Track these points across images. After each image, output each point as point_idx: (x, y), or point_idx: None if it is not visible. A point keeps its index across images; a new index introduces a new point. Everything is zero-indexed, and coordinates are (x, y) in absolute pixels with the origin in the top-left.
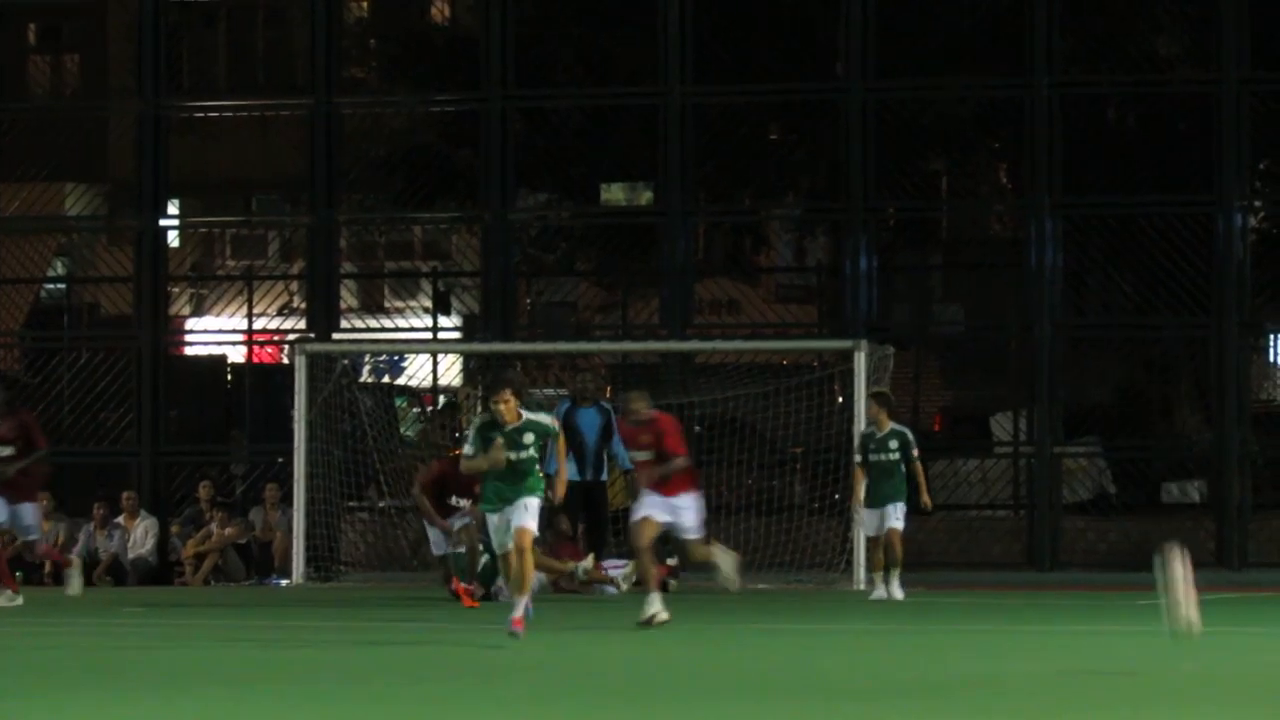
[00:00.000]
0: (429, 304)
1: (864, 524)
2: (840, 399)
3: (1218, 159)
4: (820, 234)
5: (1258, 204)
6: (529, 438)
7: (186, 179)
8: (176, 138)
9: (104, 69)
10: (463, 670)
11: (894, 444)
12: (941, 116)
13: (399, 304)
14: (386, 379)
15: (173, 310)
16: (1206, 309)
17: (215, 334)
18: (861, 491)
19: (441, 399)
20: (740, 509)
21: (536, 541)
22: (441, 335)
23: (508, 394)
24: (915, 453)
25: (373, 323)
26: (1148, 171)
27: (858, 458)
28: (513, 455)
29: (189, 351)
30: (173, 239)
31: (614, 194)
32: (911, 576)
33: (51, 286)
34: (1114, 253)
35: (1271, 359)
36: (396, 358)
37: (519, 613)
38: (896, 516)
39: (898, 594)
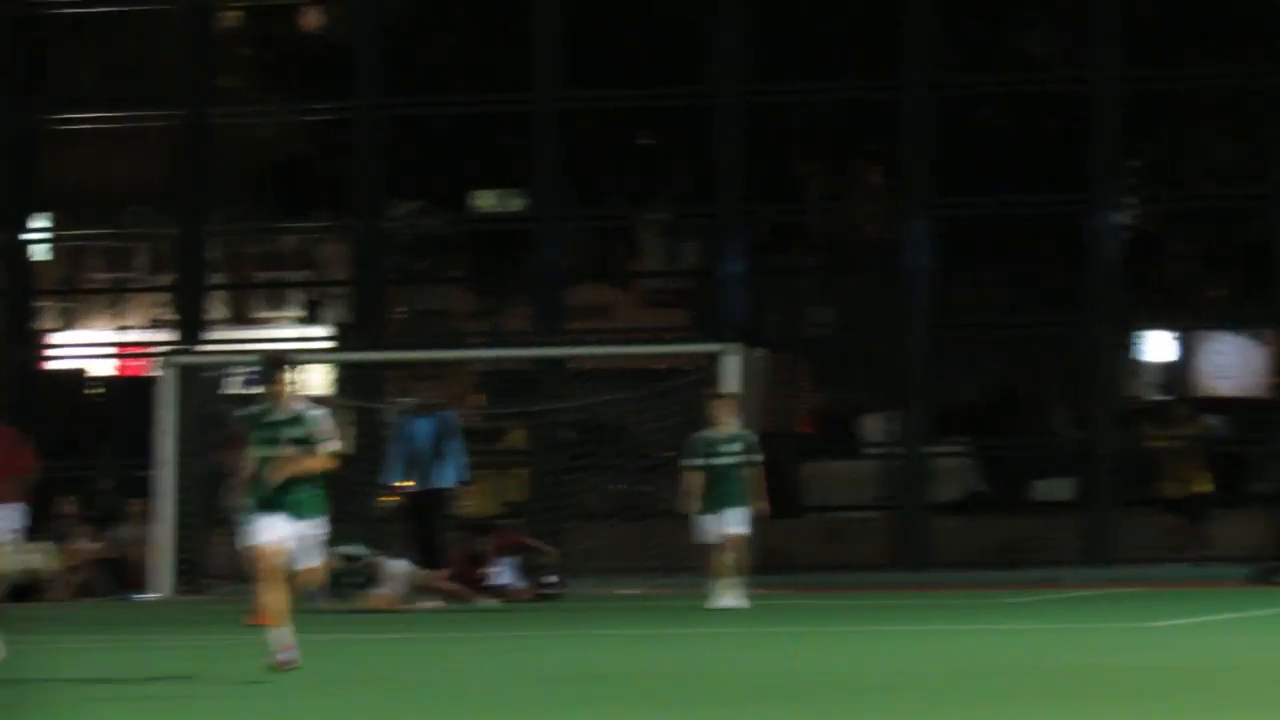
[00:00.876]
0: (300, 314)
1: (705, 530)
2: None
3: (1089, 158)
4: (692, 238)
5: (1129, 202)
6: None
7: (56, 192)
8: (45, 150)
9: None
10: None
11: (736, 446)
12: (813, 119)
13: (270, 315)
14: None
15: (42, 325)
16: (1078, 307)
17: (84, 348)
18: (698, 496)
19: None
20: (612, 514)
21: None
22: (313, 345)
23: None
24: (758, 456)
25: (244, 334)
26: (1020, 171)
27: (695, 461)
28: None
29: (55, 366)
30: (43, 253)
31: (485, 201)
32: (781, 579)
33: None
34: (986, 252)
35: (1140, 356)
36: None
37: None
38: (739, 522)
39: (736, 602)
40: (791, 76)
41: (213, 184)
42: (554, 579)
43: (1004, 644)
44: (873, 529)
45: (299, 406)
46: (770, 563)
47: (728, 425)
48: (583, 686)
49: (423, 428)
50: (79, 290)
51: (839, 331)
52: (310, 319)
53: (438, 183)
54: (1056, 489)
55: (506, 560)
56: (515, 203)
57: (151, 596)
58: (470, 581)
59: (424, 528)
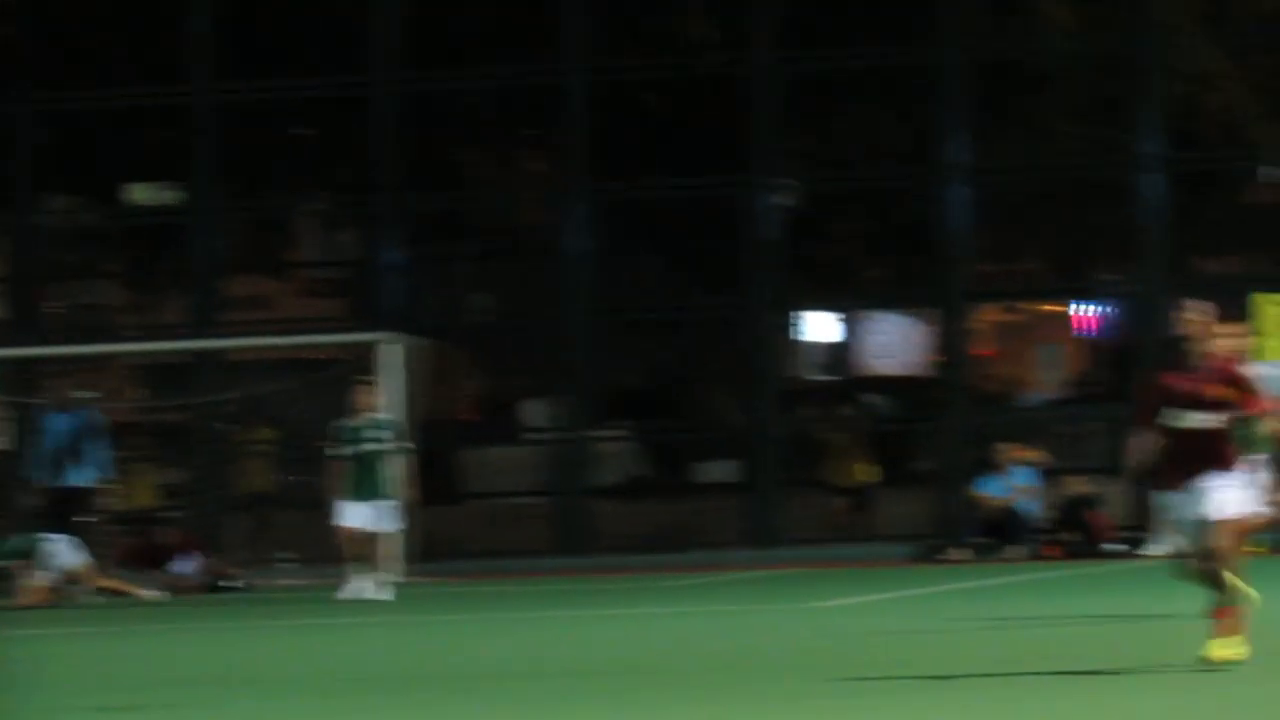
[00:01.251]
0: None
1: (348, 517)
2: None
3: (748, 140)
4: (350, 228)
5: (787, 183)
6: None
7: None
8: None
9: None
10: None
11: (381, 433)
12: (471, 106)
13: None
14: None
15: None
16: (738, 289)
17: None
18: (341, 485)
19: None
20: (276, 503)
21: None
22: None
23: None
24: (408, 444)
25: None
26: (680, 154)
27: (340, 449)
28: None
29: None
30: None
31: (141, 194)
32: (444, 566)
33: None
34: (647, 236)
35: (802, 336)
36: None
37: None
38: (384, 516)
39: (379, 594)
40: (448, 64)
41: None
42: (231, 572)
43: (666, 627)
44: (535, 514)
45: None
46: (433, 549)
47: (372, 412)
48: (208, 686)
49: (61, 424)
50: None
51: (500, 318)
52: None
53: (93, 177)
54: (720, 472)
55: (188, 553)
56: (171, 195)
57: None
58: (144, 572)
59: (64, 525)
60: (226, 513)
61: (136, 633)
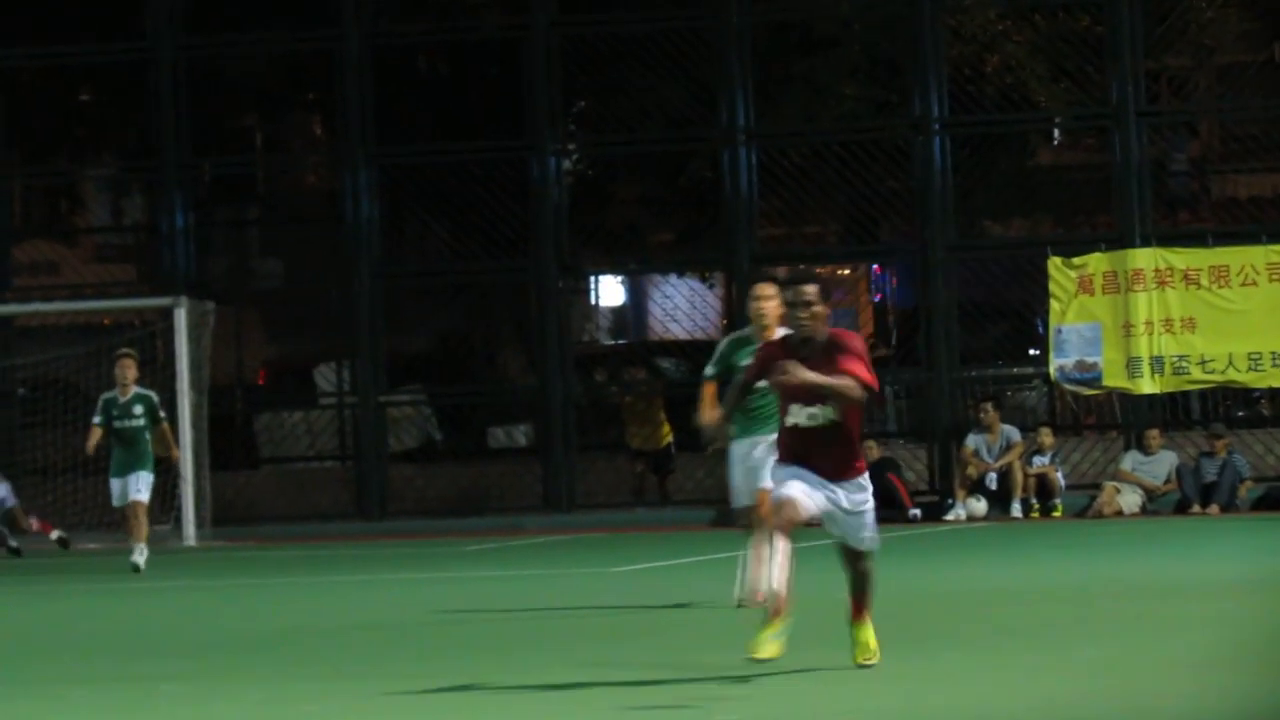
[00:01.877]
0: None
1: (114, 494)
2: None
3: (529, 104)
4: (136, 193)
5: (571, 147)
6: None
7: None
8: None
9: None
10: None
11: (139, 409)
12: (253, 72)
13: None
14: None
15: None
16: (526, 253)
17: None
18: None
19: None
20: (67, 470)
21: None
22: None
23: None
24: (162, 414)
25: None
26: (463, 118)
27: (97, 419)
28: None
29: None
30: None
31: None
32: (242, 530)
33: None
34: (432, 200)
35: (592, 301)
36: None
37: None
38: (138, 488)
39: (141, 560)
40: (230, 29)
41: None
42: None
43: (460, 591)
44: (332, 479)
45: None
46: (228, 514)
47: (130, 387)
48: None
49: None
50: None
51: (287, 283)
52: None
53: None
54: (514, 436)
55: None
56: None
57: None
58: None
59: None
60: (22, 477)
61: None
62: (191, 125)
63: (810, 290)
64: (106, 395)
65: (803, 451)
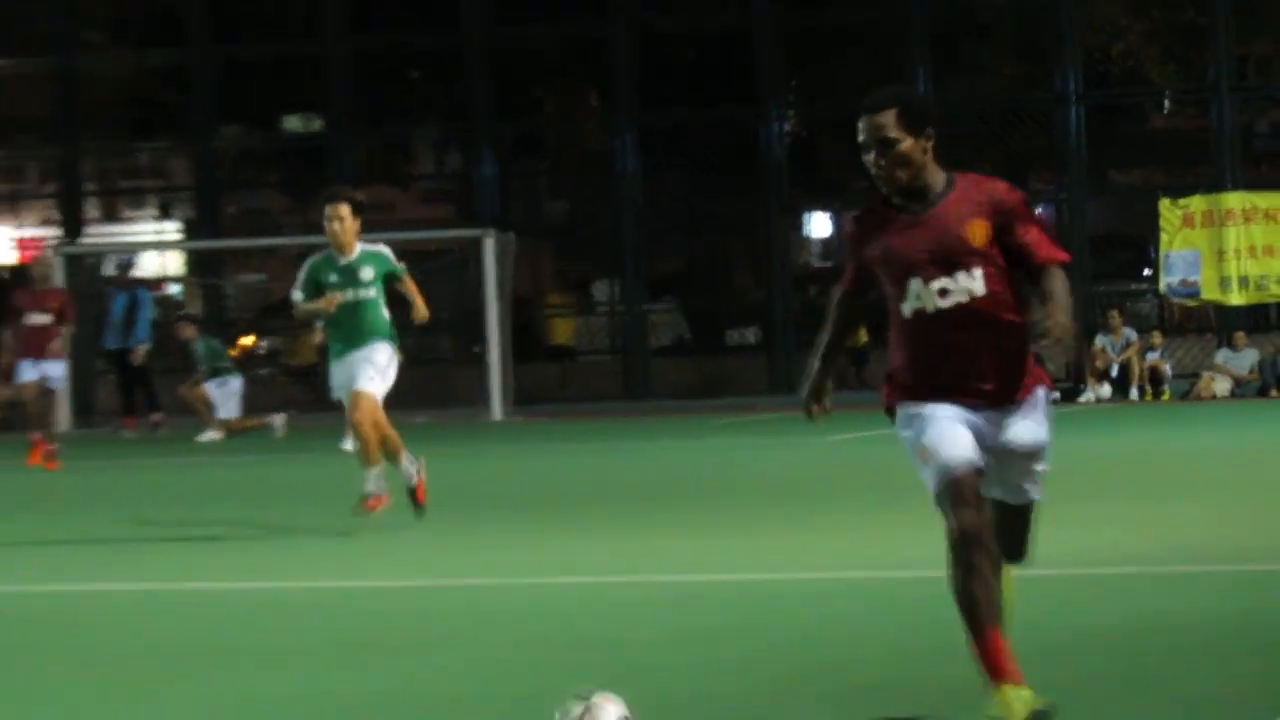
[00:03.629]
0: (155, 213)
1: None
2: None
3: (757, 80)
4: (454, 149)
5: (789, 114)
6: (368, 273)
7: None
8: None
9: None
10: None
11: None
12: (544, 53)
13: (132, 214)
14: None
15: None
16: (755, 195)
17: None
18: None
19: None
20: (404, 363)
21: None
22: (166, 237)
23: (343, 208)
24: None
25: (113, 229)
26: (706, 91)
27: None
28: (350, 295)
29: None
30: None
31: (293, 123)
32: (536, 408)
33: None
34: (681, 154)
35: (805, 233)
36: (134, 255)
37: (370, 487)
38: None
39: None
40: (525, 19)
41: (83, 115)
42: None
43: (712, 454)
44: (605, 369)
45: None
46: (525, 397)
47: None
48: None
49: (119, 301)
50: None
51: (570, 219)
52: (163, 217)
53: (257, 110)
54: (746, 335)
55: None
56: (316, 124)
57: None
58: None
59: (123, 377)
60: None
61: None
62: (496, 95)
63: (886, 117)
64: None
65: (942, 361)
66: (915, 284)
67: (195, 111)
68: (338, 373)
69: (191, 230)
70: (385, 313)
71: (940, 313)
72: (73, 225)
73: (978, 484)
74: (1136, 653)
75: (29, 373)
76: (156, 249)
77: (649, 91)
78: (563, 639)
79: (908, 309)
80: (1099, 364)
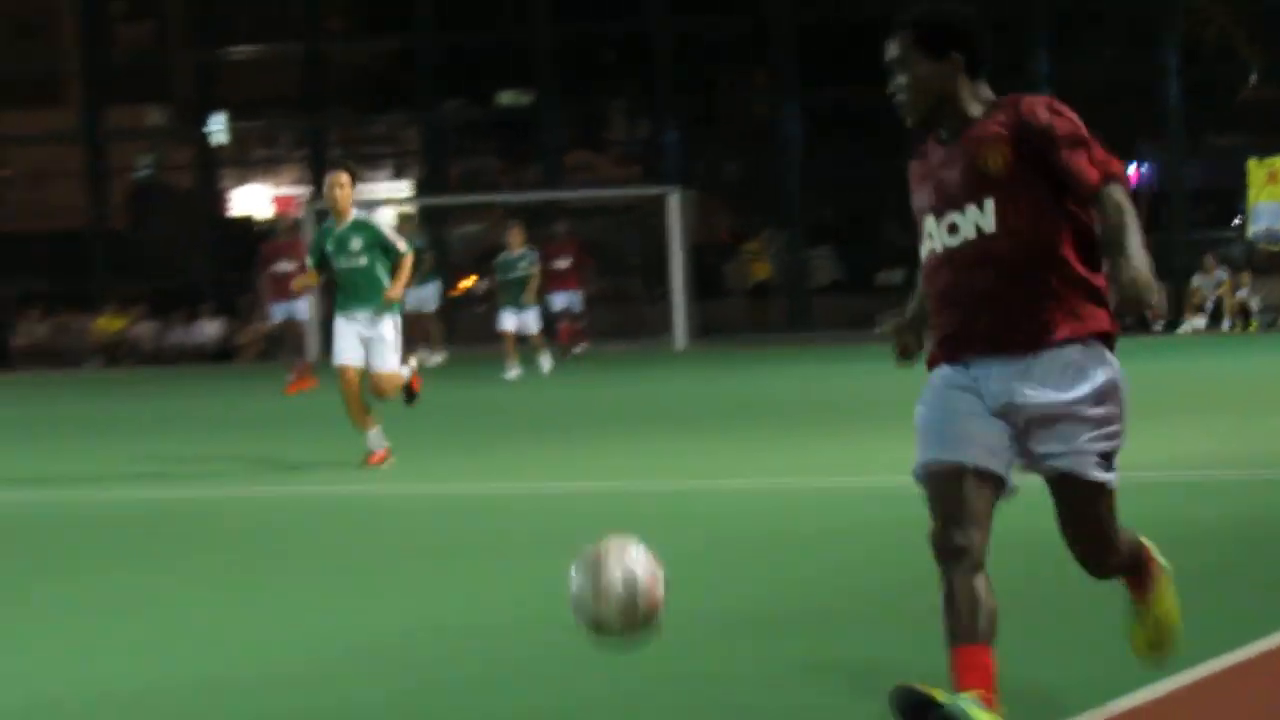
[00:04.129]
0: (390, 174)
1: (506, 321)
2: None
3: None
4: (643, 118)
5: None
6: (356, 243)
7: (229, 101)
8: (222, 75)
9: None
10: None
11: (524, 262)
12: (719, 41)
13: (370, 176)
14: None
15: (224, 185)
16: (900, 155)
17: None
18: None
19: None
20: (601, 300)
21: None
22: (400, 194)
23: (343, 176)
24: (535, 267)
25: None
26: (859, 74)
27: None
28: (343, 262)
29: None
30: (223, 138)
31: (506, 98)
32: (715, 338)
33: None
34: (837, 124)
35: None
36: (371, 210)
37: (373, 444)
38: (524, 318)
39: (548, 365)
40: (703, 10)
41: (327, 92)
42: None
43: (871, 375)
44: (772, 304)
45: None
46: (704, 328)
47: (519, 247)
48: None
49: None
50: (248, 161)
51: (742, 176)
52: (396, 177)
53: (475, 86)
54: (892, 277)
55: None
56: (525, 98)
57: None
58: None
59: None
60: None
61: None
62: (676, 73)
63: (903, 40)
64: (501, 256)
65: (949, 309)
66: (929, 221)
67: (423, 88)
68: (342, 330)
69: (420, 189)
70: (384, 280)
71: (949, 252)
72: (319, 185)
73: (971, 490)
74: (1231, 545)
75: (280, 314)
76: (391, 205)
77: (808, 70)
78: (748, 535)
79: (924, 250)
80: (1195, 300)
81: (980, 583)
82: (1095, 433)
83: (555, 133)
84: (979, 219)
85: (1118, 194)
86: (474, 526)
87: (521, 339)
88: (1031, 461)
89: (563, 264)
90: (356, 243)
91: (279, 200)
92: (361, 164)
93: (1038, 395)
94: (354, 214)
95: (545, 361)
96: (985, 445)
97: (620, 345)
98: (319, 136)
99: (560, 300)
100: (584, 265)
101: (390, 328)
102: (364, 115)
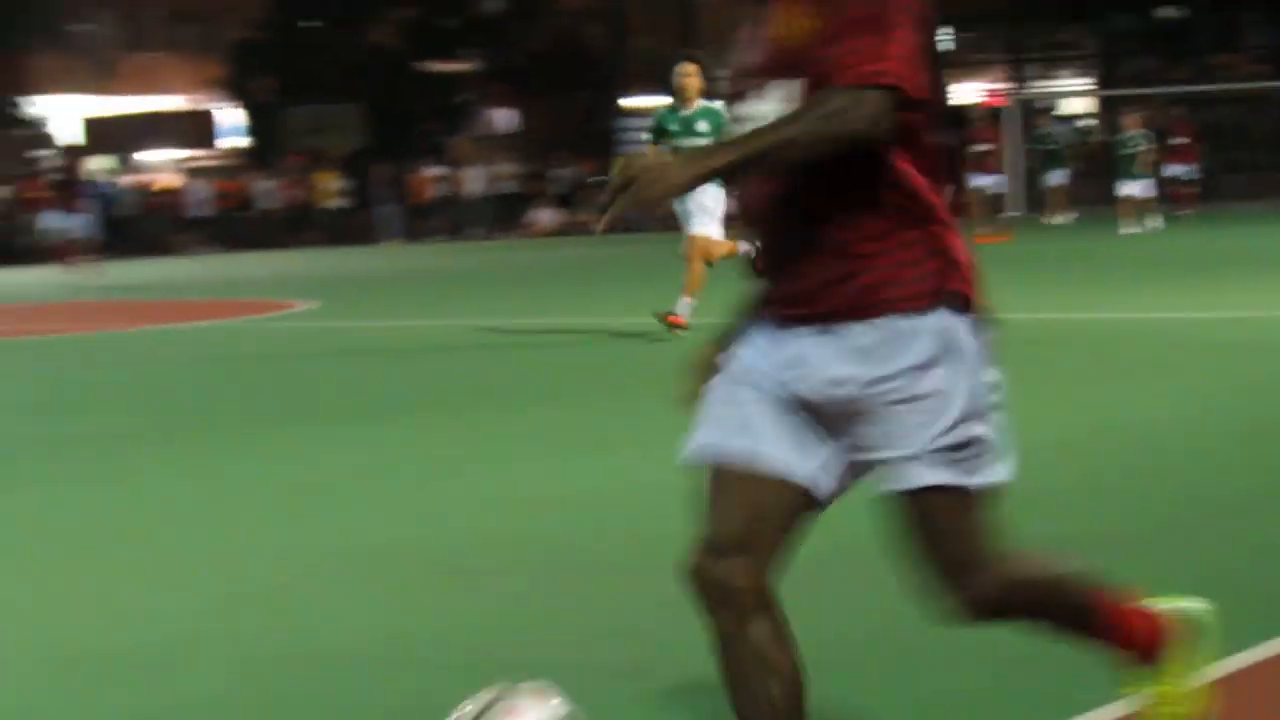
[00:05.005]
0: (1070, 74)
1: (1123, 188)
2: None
3: None
4: (1277, 29)
5: None
6: (703, 125)
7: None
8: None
9: None
10: None
11: (1132, 142)
12: None
13: (1054, 76)
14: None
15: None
16: None
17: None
18: None
19: None
20: (1229, 170)
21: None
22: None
23: (690, 67)
24: (1144, 146)
25: (1045, 85)
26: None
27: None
28: (685, 142)
29: None
30: (950, 45)
31: (1165, 12)
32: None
33: None
34: None
35: None
36: (1054, 102)
37: (679, 310)
38: (1136, 185)
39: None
40: None
41: (1027, 7)
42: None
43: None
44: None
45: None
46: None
47: (1133, 129)
48: None
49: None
50: (966, 63)
51: None
52: (1076, 76)
53: (1141, 3)
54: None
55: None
56: (1179, 11)
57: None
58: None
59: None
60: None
61: None
62: None
63: None
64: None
65: (754, 243)
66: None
67: (1096, 7)
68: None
69: (1098, 85)
70: None
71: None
72: (1018, 82)
73: (747, 491)
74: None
75: (978, 182)
76: (1069, 97)
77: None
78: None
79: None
80: None
81: None
82: (935, 418)
83: (1202, 37)
84: (768, 111)
85: (846, 95)
86: (1143, 346)
87: (1140, 202)
88: (853, 454)
89: (1180, 140)
90: (704, 125)
91: (990, 93)
92: (1052, 66)
93: (826, 365)
94: (699, 102)
95: (1154, 221)
96: (782, 446)
97: (1244, 206)
98: (1018, 44)
99: (1174, 169)
100: (1197, 143)
101: (712, 195)
102: (1054, 27)
